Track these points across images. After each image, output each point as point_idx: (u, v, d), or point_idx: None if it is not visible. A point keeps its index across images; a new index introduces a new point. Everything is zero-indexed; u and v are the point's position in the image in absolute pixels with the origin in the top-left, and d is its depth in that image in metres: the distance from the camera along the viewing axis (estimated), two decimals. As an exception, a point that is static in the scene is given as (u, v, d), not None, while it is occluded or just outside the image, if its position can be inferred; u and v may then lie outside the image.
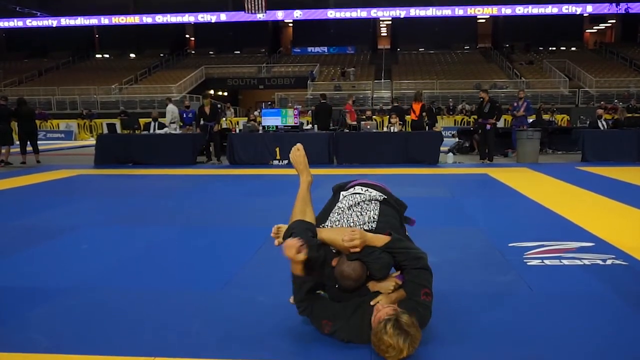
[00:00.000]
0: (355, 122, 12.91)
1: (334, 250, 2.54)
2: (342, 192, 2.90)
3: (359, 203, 2.74)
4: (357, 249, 2.38)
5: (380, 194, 2.82)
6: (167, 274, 3.69)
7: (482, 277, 3.44)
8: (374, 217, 2.66)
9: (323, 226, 2.69)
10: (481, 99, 11.43)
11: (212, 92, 30.61)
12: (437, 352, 2.35)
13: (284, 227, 2.68)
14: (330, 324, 2.45)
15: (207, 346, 2.49)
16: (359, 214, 2.68)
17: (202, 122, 11.79)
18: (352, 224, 2.63)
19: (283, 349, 2.44)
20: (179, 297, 3.16)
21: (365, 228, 2.58)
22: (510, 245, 4.21)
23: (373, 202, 2.75)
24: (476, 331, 2.60)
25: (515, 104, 12.63)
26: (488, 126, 11.08)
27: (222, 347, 2.48)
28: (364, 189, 2.86)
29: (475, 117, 12.05)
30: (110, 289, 3.34)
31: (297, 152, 2.97)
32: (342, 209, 2.75)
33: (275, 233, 2.70)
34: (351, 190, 2.88)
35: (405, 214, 2.93)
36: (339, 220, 2.69)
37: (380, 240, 2.46)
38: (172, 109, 14.50)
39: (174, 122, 13.52)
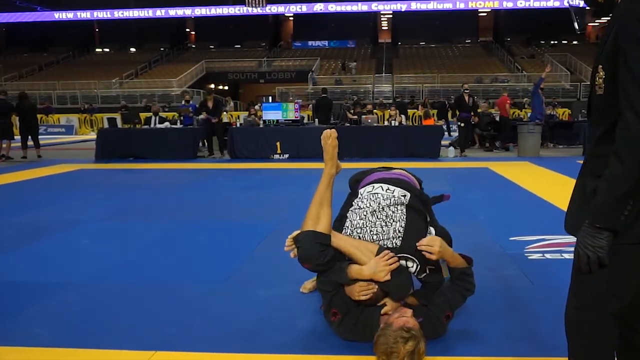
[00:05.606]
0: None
1: (347, 258, 2.42)
2: (360, 190, 2.68)
3: (383, 208, 2.49)
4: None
5: (404, 193, 2.57)
6: (168, 268, 3.69)
7: (483, 271, 3.43)
8: (399, 230, 2.43)
9: (344, 227, 2.53)
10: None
11: (212, 86, 30.59)
12: (437, 345, 2.35)
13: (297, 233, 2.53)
14: (339, 317, 2.42)
15: (207, 341, 2.49)
16: (383, 224, 2.45)
17: (204, 115, 11.77)
18: (375, 236, 2.43)
19: (283, 344, 2.44)
20: (180, 292, 3.17)
21: (389, 245, 2.40)
22: (511, 239, 4.21)
23: (399, 206, 2.51)
24: (477, 325, 2.60)
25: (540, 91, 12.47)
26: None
27: (222, 341, 2.48)
28: (386, 187, 2.60)
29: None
30: (111, 284, 3.34)
31: (328, 141, 2.63)
32: (365, 211, 2.51)
33: (289, 246, 2.55)
34: (370, 188, 2.63)
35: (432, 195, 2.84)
36: (361, 228, 2.47)
37: (461, 263, 2.45)
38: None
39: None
